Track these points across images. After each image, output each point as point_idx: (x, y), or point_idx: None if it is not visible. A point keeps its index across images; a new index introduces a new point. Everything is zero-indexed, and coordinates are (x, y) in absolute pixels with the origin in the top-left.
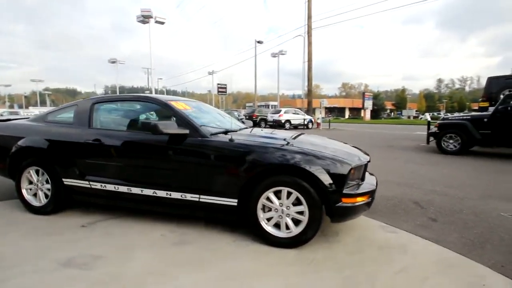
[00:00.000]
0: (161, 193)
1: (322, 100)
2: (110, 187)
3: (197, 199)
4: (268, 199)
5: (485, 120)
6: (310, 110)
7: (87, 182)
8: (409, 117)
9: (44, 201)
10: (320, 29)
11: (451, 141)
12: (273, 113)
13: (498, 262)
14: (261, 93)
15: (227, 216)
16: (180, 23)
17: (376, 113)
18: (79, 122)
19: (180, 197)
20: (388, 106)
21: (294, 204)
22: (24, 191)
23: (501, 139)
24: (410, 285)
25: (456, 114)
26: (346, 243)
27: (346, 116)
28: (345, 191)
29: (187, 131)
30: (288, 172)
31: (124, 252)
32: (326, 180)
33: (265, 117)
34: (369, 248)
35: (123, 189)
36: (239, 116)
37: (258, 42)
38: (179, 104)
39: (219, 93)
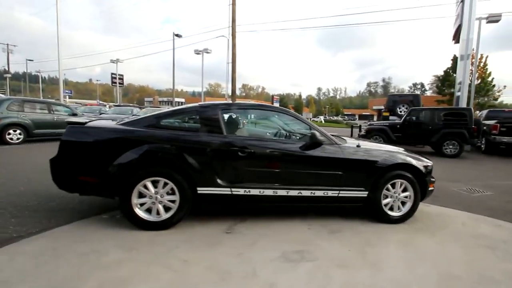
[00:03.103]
0: (306, 193)
1: (249, 102)
2: (254, 191)
3: (336, 194)
4: (387, 189)
5: (398, 126)
6: None
7: (228, 189)
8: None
9: (164, 214)
10: (222, 31)
11: (376, 141)
12: None
13: (489, 214)
14: (158, 87)
15: (355, 205)
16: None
17: None
18: (210, 129)
19: (323, 194)
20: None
21: (402, 191)
22: (135, 207)
23: (408, 139)
24: (476, 230)
25: (378, 121)
26: (421, 216)
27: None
28: (431, 179)
29: (321, 139)
30: (401, 169)
31: (309, 244)
32: (425, 173)
33: None
34: (434, 217)
35: (268, 192)
36: None
37: (177, 35)
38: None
39: (114, 84)
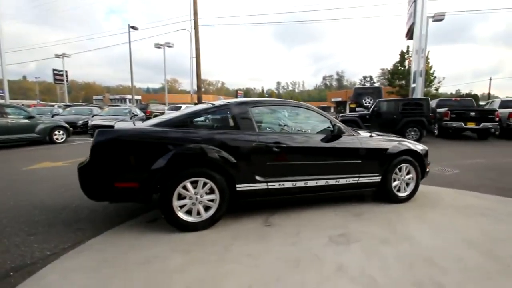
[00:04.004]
0: (332, 182)
1: (220, 98)
2: (288, 184)
3: (356, 181)
4: (395, 173)
5: (367, 116)
6: None
7: (265, 184)
8: None
9: (205, 214)
10: (177, 25)
11: None
12: (172, 109)
13: (467, 188)
14: (106, 84)
15: (369, 189)
16: None
17: None
18: (243, 126)
19: (346, 182)
20: None
21: (407, 174)
22: (177, 209)
23: (376, 128)
24: (465, 201)
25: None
26: (417, 194)
27: None
28: (428, 162)
29: (345, 132)
30: (406, 154)
31: (346, 228)
32: (423, 156)
33: (161, 114)
34: (428, 195)
35: (300, 184)
36: (134, 113)
37: (132, 27)
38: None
39: (57, 82)
